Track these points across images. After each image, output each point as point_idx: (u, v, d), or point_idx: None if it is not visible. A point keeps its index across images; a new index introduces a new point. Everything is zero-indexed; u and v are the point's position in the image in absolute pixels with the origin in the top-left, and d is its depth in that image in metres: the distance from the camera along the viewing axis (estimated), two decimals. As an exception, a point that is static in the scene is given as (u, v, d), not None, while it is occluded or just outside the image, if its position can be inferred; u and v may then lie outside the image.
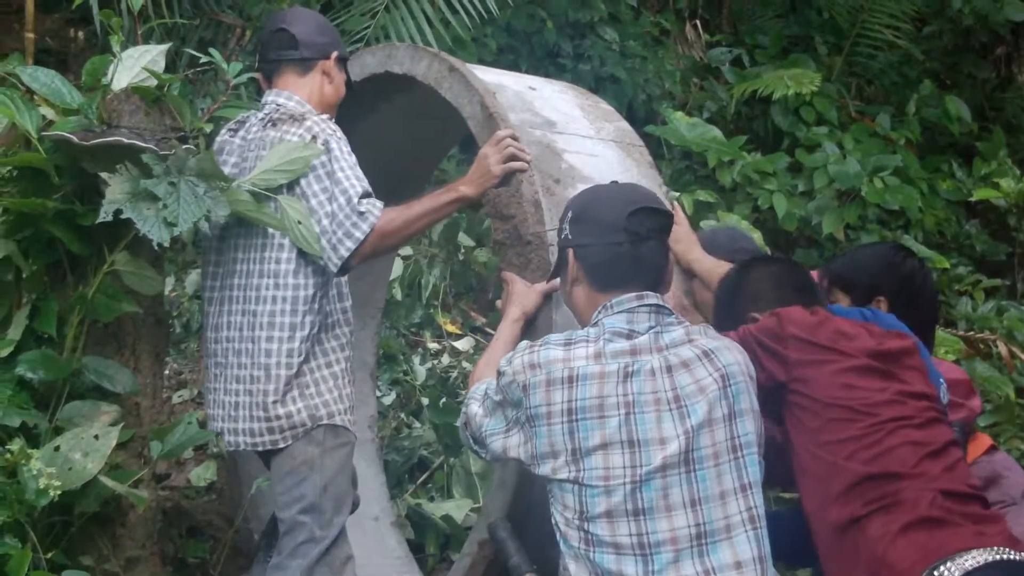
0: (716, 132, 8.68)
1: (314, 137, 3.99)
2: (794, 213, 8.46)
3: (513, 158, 4.02)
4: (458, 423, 3.59)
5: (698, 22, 10.33)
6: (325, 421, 4.02)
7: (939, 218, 9.26)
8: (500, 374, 3.29)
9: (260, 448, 4.02)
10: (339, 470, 4.11)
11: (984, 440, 4.19)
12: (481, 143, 4.12)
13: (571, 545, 3.14)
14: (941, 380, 3.69)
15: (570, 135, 4.38)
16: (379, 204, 3.95)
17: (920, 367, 3.50)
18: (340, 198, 3.93)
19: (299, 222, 3.86)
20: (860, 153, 9.03)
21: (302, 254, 3.96)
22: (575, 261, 3.36)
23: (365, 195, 3.96)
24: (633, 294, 3.25)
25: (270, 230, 3.93)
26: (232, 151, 4.17)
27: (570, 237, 3.38)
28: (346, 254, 3.91)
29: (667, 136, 8.41)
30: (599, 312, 3.28)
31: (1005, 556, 3.06)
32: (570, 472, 3.11)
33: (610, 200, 3.36)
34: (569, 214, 3.41)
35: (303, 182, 3.94)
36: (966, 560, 3.03)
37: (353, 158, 4.03)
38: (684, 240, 4.18)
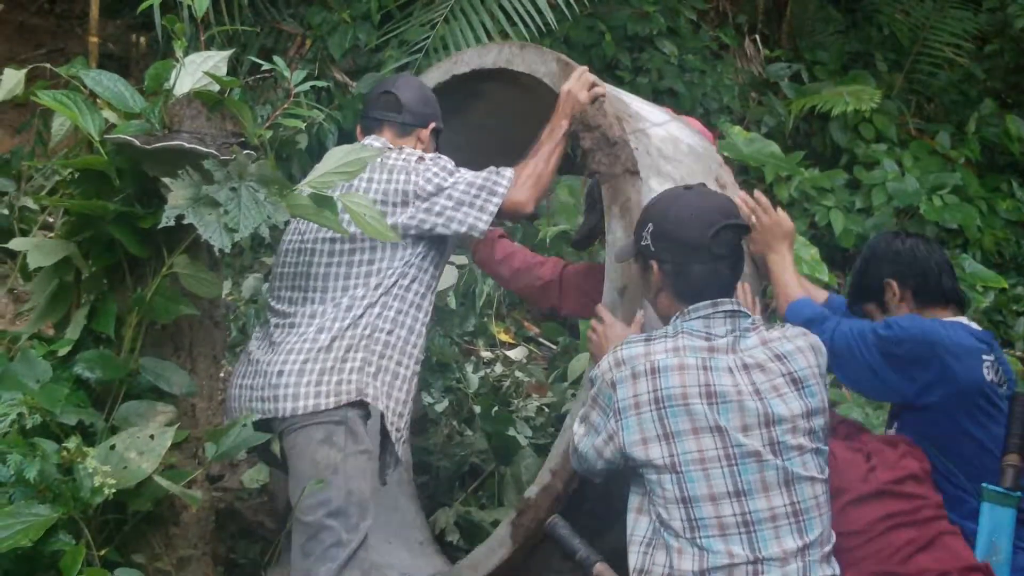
0: (774, 147, 8.66)
1: (420, 158, 4.36)
2: (852, 230, 8.42)
3: (594, 85, 4.45)
4: (570, 450, 3.74)
5: (757, 37, 10.27)
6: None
7: (998, 238, 9.18)
8: (590, 382, 3.52)
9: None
10: (360, 475, 4.13)
11: None
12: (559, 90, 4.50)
13: (673, 531, 3.29)
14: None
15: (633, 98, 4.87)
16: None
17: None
18: (468, 175, 4.34)
19: (365, 214, 3.92)
20: (919, 171, 8.98)
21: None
22: (659, 272, 3.55)
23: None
24: (709, 302, 3.45)
25: None
26: None
27: (652, 249, 3.57)
28: (494, 208, 4.31)
29: (725, 150, 8.36)
30: (677, 317, 3.49)
31: None
32: (664, 457, 3.30)
33: (692, 218, 3.53)
34: (650, 225, 3.60)
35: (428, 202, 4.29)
36: None
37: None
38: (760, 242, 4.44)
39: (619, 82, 8.62)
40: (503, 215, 4.38)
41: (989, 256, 9.10)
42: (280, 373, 4.18)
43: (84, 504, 3.58)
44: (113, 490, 3.56)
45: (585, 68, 4.52)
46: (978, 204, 9.07)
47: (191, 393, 4.05)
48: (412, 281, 4.34)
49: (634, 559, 3.41)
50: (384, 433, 4.33)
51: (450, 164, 4.39)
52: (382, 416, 4.26)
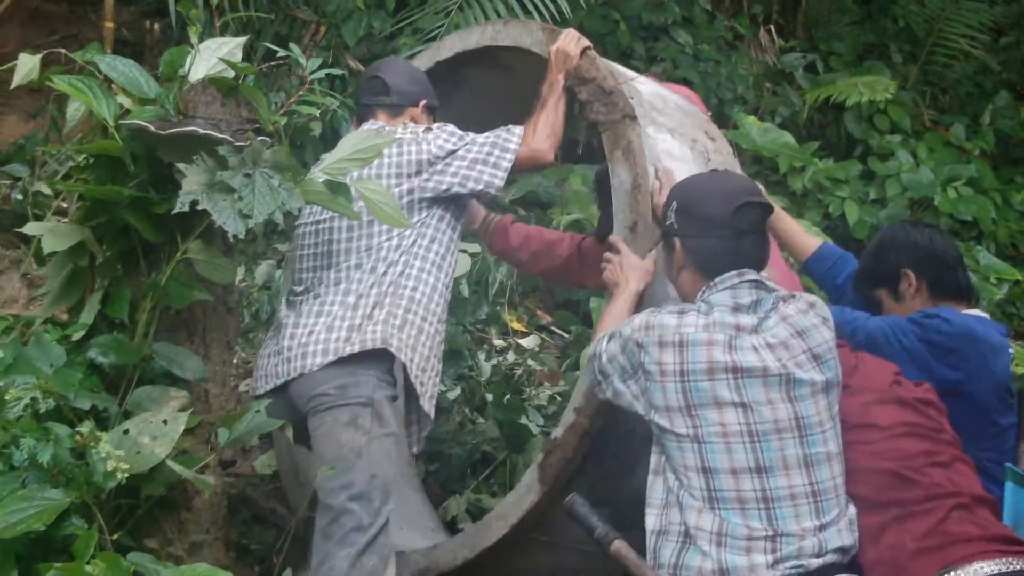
0: (788, 138, 8.63)
1: (428, 128, 4.48)
2: (866, 221, 8.39)
3: (580, 39, 4.61)
4: (588, 353, 3.86)
5: (772, 27, 10.24)
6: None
7: (1012, 230, 9.15)
8: (620, 334, 3.58)
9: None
10: (385, 459, 4.14)
11: None
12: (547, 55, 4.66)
13: (692, 495, 3.35)
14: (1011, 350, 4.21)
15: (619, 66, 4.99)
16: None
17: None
18: (478, 136, 4.46)
19: (379, 201, 3.93)
20: (933, 162, 8.95)
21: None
22: (682, 249, 3.65)
23: None
24: (734, 272, 3.53)
25: None
26: None
27: (676, 227, 3.68)
28: (508, 164, 4.43)
29: (739, 141, 8.36)
30: (703, 291, 3.57)
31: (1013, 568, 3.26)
32: (687, 428, 3.36)
33: (715, 194, 3.65)
34: (674, 203, 3.72)
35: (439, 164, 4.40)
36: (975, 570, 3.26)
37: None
38: None
39: (633, 71, 8.59)
40: (525, 167, 4.53)
41: (1003, 248, 9.07)
42: (310, 332, 4.27)
43: (97, 488, 3.58)
44: (126, 475, 3.56)
45: (570, 29, 4.68)
46: (993, 196, 9.03)
47: (204, 378, 4.06)
48: (431, 241, 4.41)
49: (651, 520, 3.48)
50: (411, 394, 4.38)
51: (458, 130, 4.49)
52: (406, 376, 4.31)
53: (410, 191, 4.35)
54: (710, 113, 5.16)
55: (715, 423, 3.33)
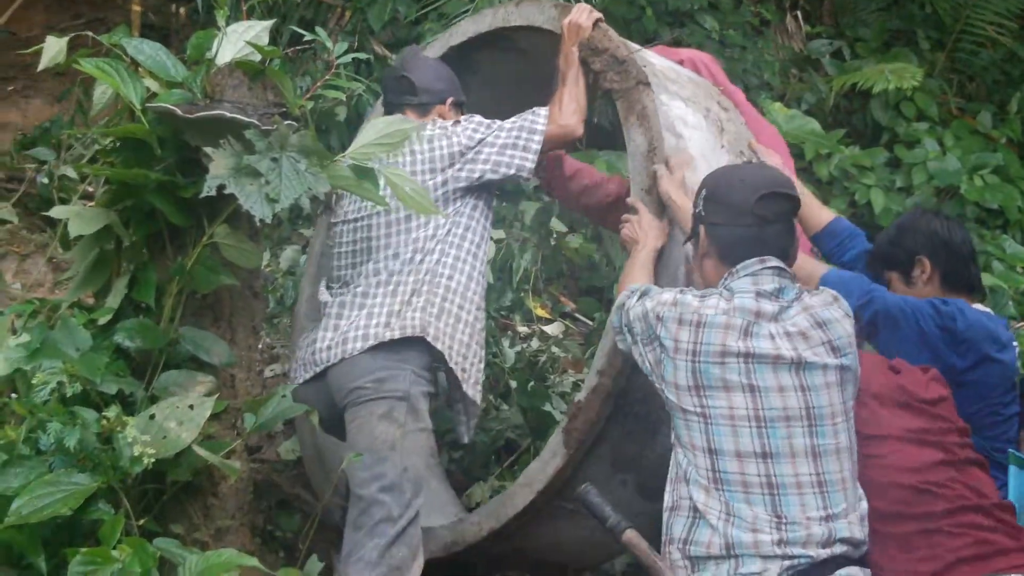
0: (814, 124, 8.59)
1: (456, 122, 4.56)
2: (891, 209, 8.34)
3: (591, 12, 4.64)
4: (616, 304, 3.88)
5: (799, 13, 10.18)
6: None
7: (1038, 219, 9.09)
8: (647, 299, 3.63)
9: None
10: (417, 453, 4.16)
11: None
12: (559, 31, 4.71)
13: (700, 479, 3.36)
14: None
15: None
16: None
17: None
18: (504, 123, 4.53)
19: (405, 186, 3.94)
20: (960, 150, 8.89)
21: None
22: (706, 236, 3.66)
23: None
24: (756, 258, 3.53)
25: None
26: None
27: (703, 214, 3.68)
28: (537, 146, 4.50)
29: (765, 127, 8.32)
30: (726, 278, 3.57)
31: None
32: (695, 405, 3.39)
33: (743, 183, 3.64)
34: (703, 192, 3.72)
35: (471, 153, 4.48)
36: None
37: None
38: None
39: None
40: (556, 144, 4.62)
41: (1030, 236, 9.02)
42: (350, 321, 4.35)
43: (123, 473, 3.59)
44: (152, 460, 3.57)
45: (583, 3, 4.74)
46: (1019, 184, 8.97)
47: (230, 363, 4.06)
48: (465, 230, 4.49)
49: (667, 496, 3.52)
50: (454, 383, 4.44)
51: (484, 120, 4.54)
52: (448, 368, 4.38)
53: (444, 183, 4.42)
54: (722, 88, 5.17)
55: (723, 406, 3.35)
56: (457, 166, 4.44)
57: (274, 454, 5.62)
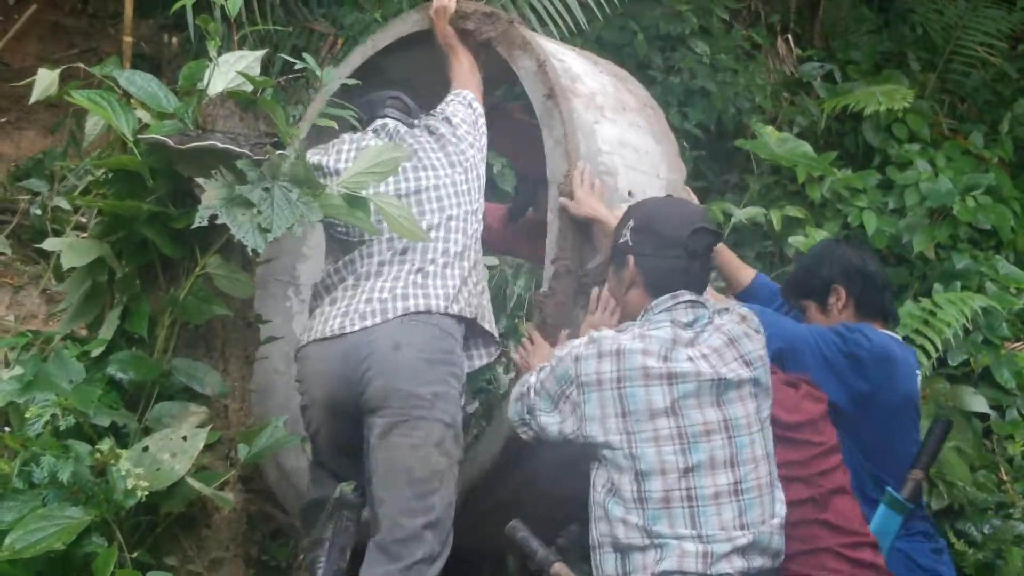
0: (806, 147, 8.59)
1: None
2: (884, 231, 8.34)
3: None
4: (512, 394, 3.82)
5: (790, 36, 10.20)
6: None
7: (1031, 238, 9.09)
8: (551, 361, 3.64)
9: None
10: (456, 487, 4.10)
11: None
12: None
13: (622, 505, 3.40)
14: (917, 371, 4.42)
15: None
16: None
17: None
18: (457, 113, 4.60)
19: (396, 215, 3.92)
20: (952, 171, 8.89)
21: None
22: (635, 267, 3.67)
23: None
24: (669, 295, 3.60)
25: None
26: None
27: (631, 244, 3.70)
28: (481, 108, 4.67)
29: (756, 150, 8.33)
30: (644, 313, 3.62)
31: None
32: (620, 430, 3.41)
33: (673, 216, 3.73)
34: (631, 222, 3.75)
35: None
36: None
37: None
38: None
39: (651, 81, 8.58)
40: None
41: (1022, 257, 9.02)
42: (391, 288, 4.11)
43: (117, 506, 3.59)
44: (146, 492, 3.56)
45: None
46: (1012, 204, 8.96)
47: (223, 394, 4.06)
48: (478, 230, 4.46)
49: (590, 538, 3.52)
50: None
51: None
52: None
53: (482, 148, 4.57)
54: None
55: (648, 429, 3.39)
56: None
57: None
